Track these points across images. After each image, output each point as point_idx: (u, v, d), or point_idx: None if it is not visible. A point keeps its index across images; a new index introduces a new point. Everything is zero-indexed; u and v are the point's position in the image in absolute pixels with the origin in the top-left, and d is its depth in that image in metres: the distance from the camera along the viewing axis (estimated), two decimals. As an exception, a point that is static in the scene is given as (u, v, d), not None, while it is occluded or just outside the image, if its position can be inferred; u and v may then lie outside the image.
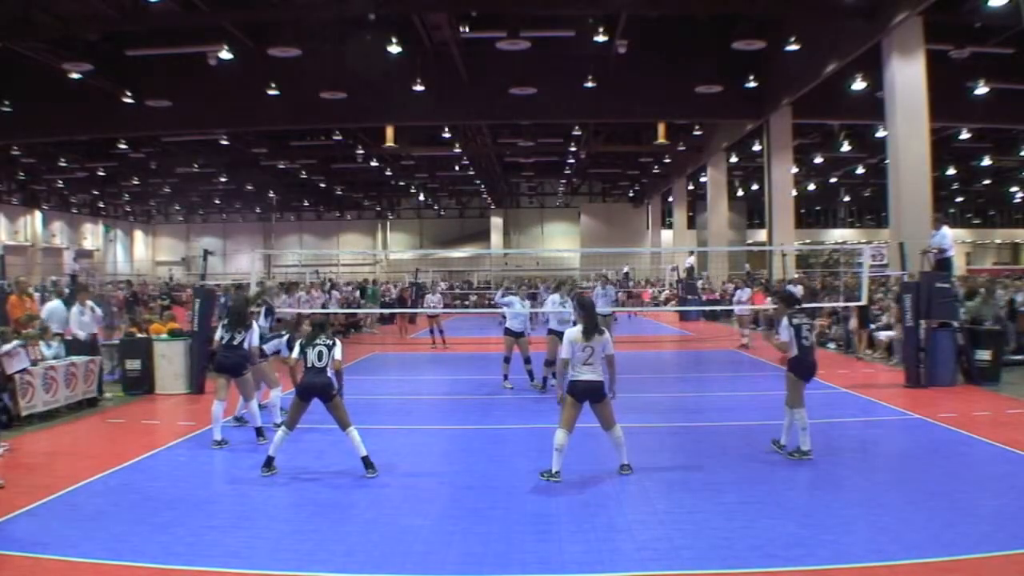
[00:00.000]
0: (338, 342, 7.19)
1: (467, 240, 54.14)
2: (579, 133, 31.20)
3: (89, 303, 12.26)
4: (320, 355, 7.01)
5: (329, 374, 7.00)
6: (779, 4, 17.88)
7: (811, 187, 44.67)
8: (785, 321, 7.62)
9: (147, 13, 17.03)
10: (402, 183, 45.94)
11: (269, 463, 7.04)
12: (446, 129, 30.04)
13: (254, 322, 8.84)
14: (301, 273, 39.91)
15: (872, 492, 6.42)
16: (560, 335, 11.88)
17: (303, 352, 7.05)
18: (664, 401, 11.11)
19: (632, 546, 5.25)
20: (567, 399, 6.82)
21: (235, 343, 8.41)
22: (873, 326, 15.74)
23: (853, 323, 15.98)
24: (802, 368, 7.54)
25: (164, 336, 12.19)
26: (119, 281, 33.08)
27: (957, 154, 34.47)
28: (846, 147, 31.95)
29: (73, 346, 11.19)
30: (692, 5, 18.71)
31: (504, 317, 12.86)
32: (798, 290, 20.48)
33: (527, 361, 12.05)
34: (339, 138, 30.60)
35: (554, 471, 6.75)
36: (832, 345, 17.30)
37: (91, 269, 43.32)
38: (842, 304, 16.75)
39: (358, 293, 25.84)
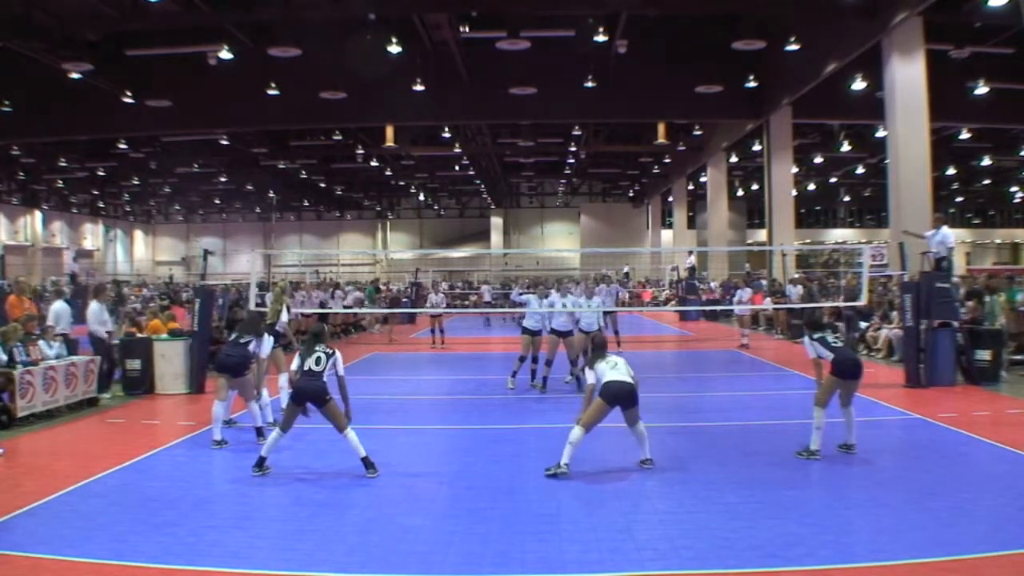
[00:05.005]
0: (338, 354, 7.17)
1: (467, 240, 54.16)
2: (579, 133, 31.21)
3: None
4: (318, 360, 7.02)
5: (325, 378, 6.99)
6: (779, 4, 17.88)
7: (811, 187, 44.69)
8: (806, 339, 7.71)
9: (147, 13, 17.06)
10: (402, 183, 45.97)
11: (261, 463, 7.03)
12: (446, 129, 30.07)
13: (266, 333, 8.83)
14: (301, 273, 39.97)
15: (872, 492, 6.42)
16: (560, 335, 11.96)
17: (302, 359, 7.09)
18: (664, 401, 11.08)
19: (632, 546, 5.24)
20: (597, 401, 6.83)
21: (241, 341, 8.42)
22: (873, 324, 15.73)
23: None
24: (840, 368, 7.48)
25: (164, 336, 12.19)
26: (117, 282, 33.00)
27: (957, 154, 34.49)
28: (846, 147, 31.97)
29: (74, 346, 11.21)
30: (692, 5, 18.73)
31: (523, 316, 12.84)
32: (797, 290, 20.53)
33: (534, 360, 12.03)
34: (339, 138, 30.62)
35: (563, 463, 6.77)
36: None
37: (91, 269, 43.30)
38: (843, 304, 16.73)
39: (361, 293, 25.74)
